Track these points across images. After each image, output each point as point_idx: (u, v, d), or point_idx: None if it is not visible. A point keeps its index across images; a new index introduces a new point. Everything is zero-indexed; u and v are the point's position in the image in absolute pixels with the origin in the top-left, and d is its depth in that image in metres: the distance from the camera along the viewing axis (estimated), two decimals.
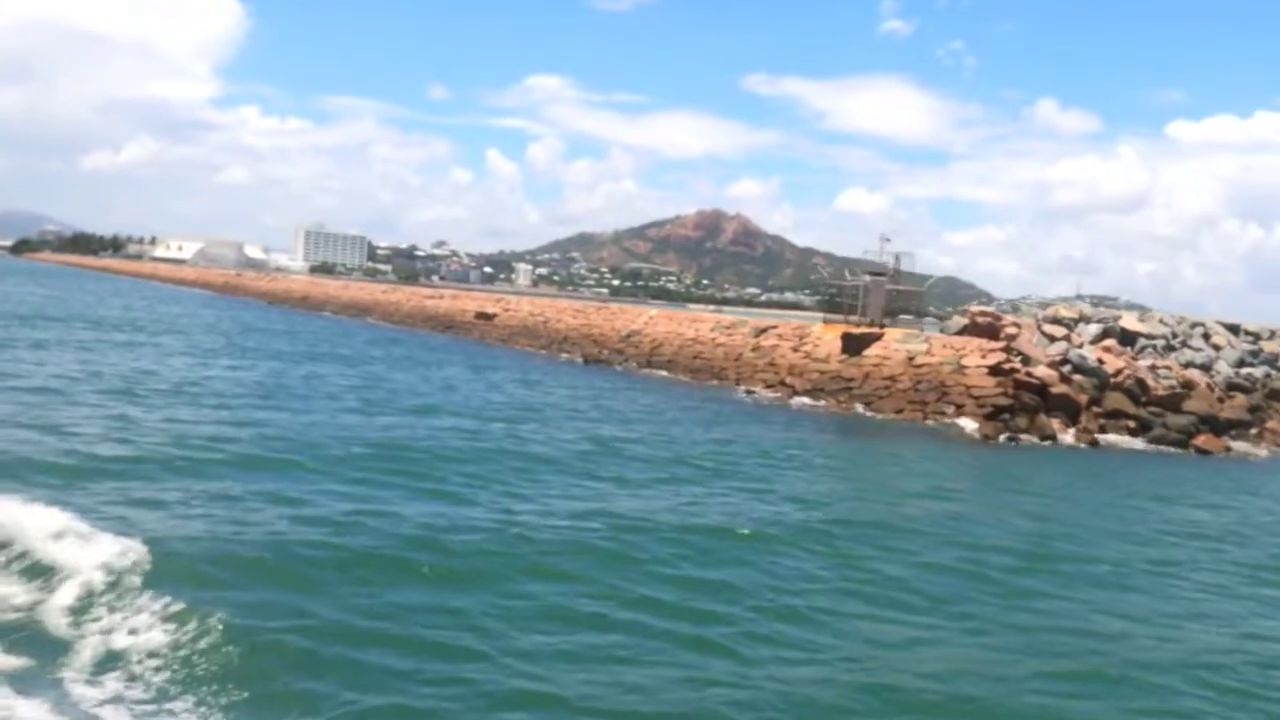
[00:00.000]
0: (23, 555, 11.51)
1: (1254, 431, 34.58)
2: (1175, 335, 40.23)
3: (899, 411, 33.97)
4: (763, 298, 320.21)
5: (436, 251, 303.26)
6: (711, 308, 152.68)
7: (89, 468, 16.01)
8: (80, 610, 10.14)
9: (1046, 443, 30.63)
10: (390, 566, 12.26)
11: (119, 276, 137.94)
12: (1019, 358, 34.33)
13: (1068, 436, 31.36)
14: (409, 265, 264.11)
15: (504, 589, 11.71)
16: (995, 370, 33.43)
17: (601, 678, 9.47)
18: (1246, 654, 11.74)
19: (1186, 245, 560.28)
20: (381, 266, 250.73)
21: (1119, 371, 34.29)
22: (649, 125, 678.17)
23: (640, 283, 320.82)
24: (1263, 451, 33.21)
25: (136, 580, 10.80)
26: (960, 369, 34.56)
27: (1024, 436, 30.81)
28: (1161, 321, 40.96)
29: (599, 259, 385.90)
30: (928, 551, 15.09)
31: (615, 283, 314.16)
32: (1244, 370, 39.31)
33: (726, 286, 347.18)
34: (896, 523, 17.01)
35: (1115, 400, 33.03)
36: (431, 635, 10.19)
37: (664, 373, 44.86)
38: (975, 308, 38.33)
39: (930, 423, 32.73)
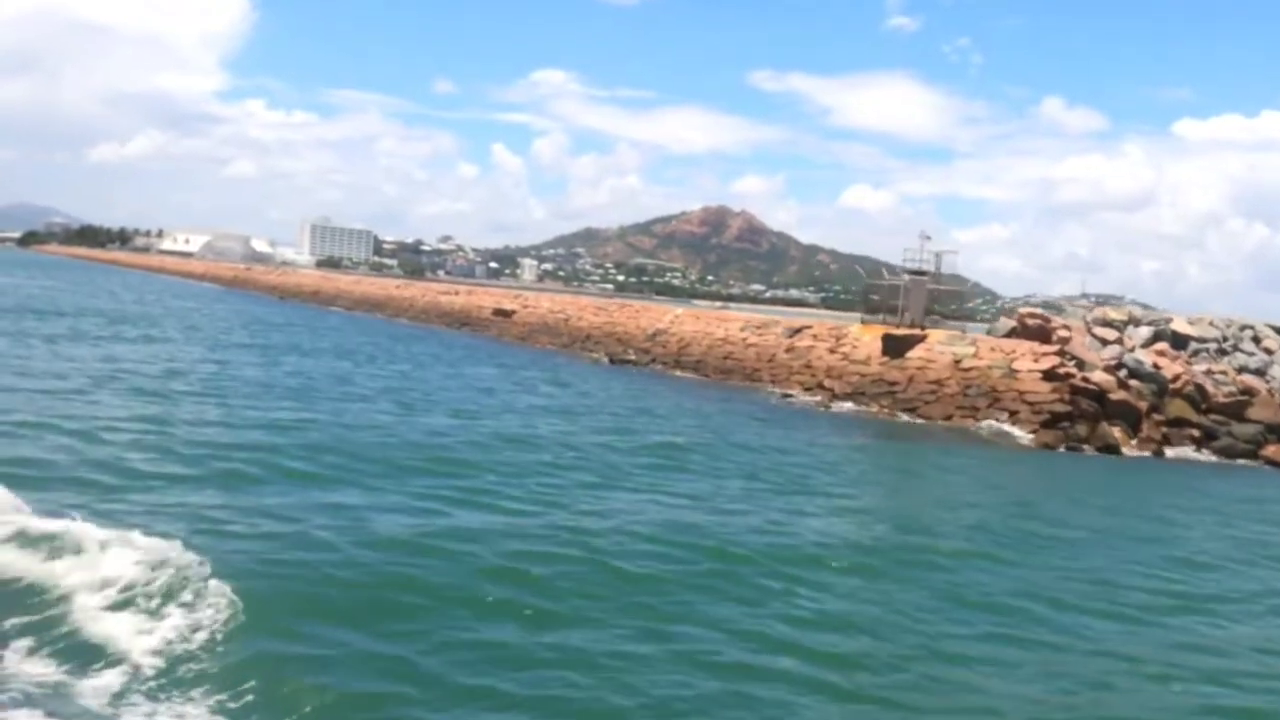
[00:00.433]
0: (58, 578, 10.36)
1: None
2: (1225, 338, 38.90)
3: (948, 418, 32.68)
4: (767, 294, 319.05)
5: (442, 246, 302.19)
6: (719, 304, 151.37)
7: (127, 478, 14.77)
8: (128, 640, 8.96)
9: (1109, 453, 29.37)
10: (473, 600, 11.00)
11: (129, 270, 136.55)
12: (1073, 362, 33.04)
13: (1130, 446, 30.05)
14: (414, 260, 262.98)
15: (611, 627, 10.45)
16: (1050, 375, 32.13)
17: None
18: None
19: (1192, 244, 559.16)
20: (387, 261, 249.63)
21: (1177, 377, 32.98)
22: (654, 121, 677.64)
23: (645, 279, 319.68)
24: None
25: (184, 606, 9.70)
26: (1011, 373, 33.27)
27: (1083, 446, 29.58)
28: (1211, 324, 39.57)
29: (604, 255, 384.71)
30: (1052, 584, 13.78)
31: (620, 278, 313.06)
32: None
33: (731, 283, 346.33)
34: (1004, 551, 15.63)
35: (1177, 408, 31.69)
36: (541, 687, 8.94)
37: (692, 374, 43.60)
38: (1024, 309, 37.01)
39: (981, 430, 31.47)
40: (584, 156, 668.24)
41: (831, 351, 40.56)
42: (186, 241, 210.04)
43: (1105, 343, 35.27)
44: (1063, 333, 34.63)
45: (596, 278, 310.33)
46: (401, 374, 34.00)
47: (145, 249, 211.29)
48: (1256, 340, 39.48)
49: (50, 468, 15.10)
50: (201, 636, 9.24)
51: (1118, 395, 31.36)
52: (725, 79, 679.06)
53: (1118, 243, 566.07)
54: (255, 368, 31.57)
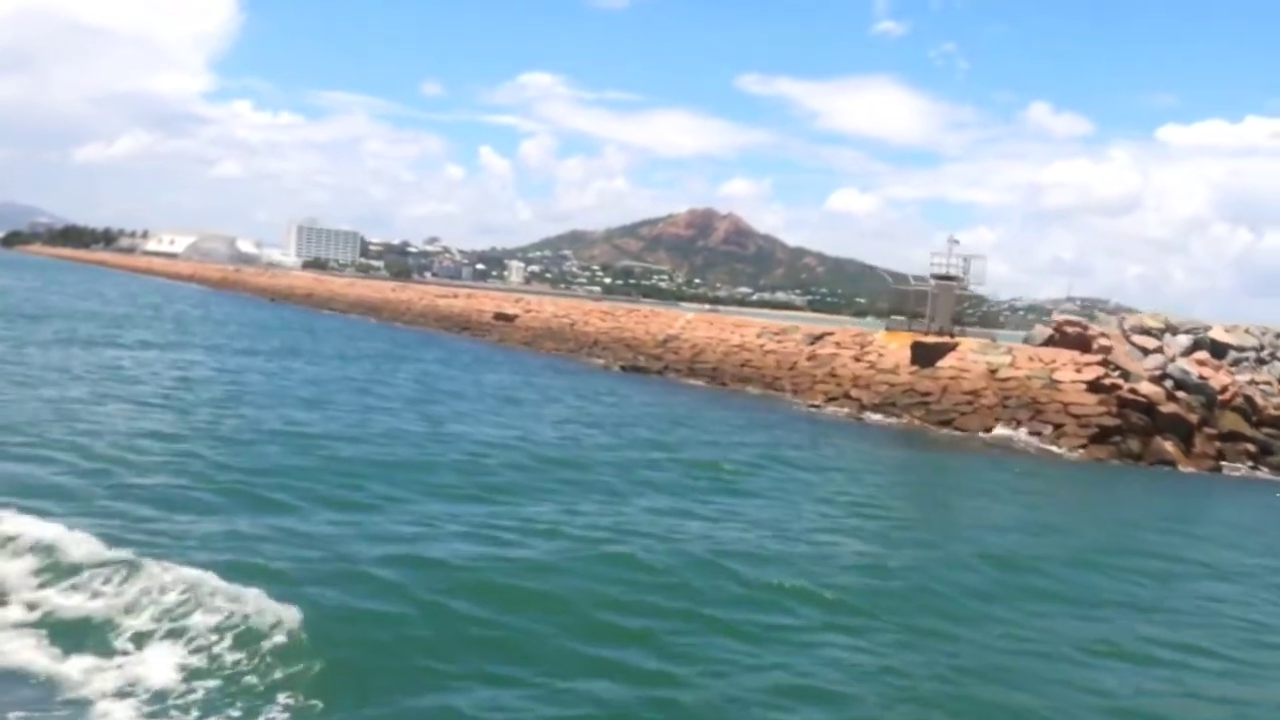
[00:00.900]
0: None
1: None
2: (1262, 346, 37.77)
3: (987, 430, 31.37)
4: (754, 297, 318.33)
5: (429, 248, 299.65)
6: (708, 307, 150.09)
7: (175, 509, 13.23)
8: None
9: (1162, 468, 28.13)
10: (579, 659, 9.58)
11: (115, 271, 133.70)
12: (1117, 372, 31.77)
13: (1184, 462, 28.77)
14: (401, 261, 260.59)
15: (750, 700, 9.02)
16: (1095, 386, 30.86)
17: None
18: None
19: (1176, 248, 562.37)
20: (374, 263, 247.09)
21: (1225, 388, 31.76)
22: (642, 123, 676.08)
23: (632, 281, 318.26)
24: None
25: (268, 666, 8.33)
26: (1053, 384, 31.98)
27: (1125, 460, 28.36)
28: (1247, 332, 38.45)
29: (591, 257, 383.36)
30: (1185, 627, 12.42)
31: (607, 281, 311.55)
32: None
33: (718, 285, 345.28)
34: (1141, 591, 14.26)
35: (1230, 420, 30.49)
36: None
37: (707, 382, 42.15)
38: (1061, 316, 35.69)
39: (1021, 443, 30.18)
40: (571, 159, 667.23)
41: (856, 360, 39.20)
42: (172, 242, 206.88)
43: (1146, 351, 34.05)
44: (1103, 341, 33.33)
45: (583, 280, 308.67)
46: (418, 382, 32.46)
47: (130, 250, 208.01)
48: None
49: (80, 495, 13.58)
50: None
51: (1168, 408, 30.10)
52: (713, 82, 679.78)
53: (1103, 247, 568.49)
54: (267, 376, 29.94)
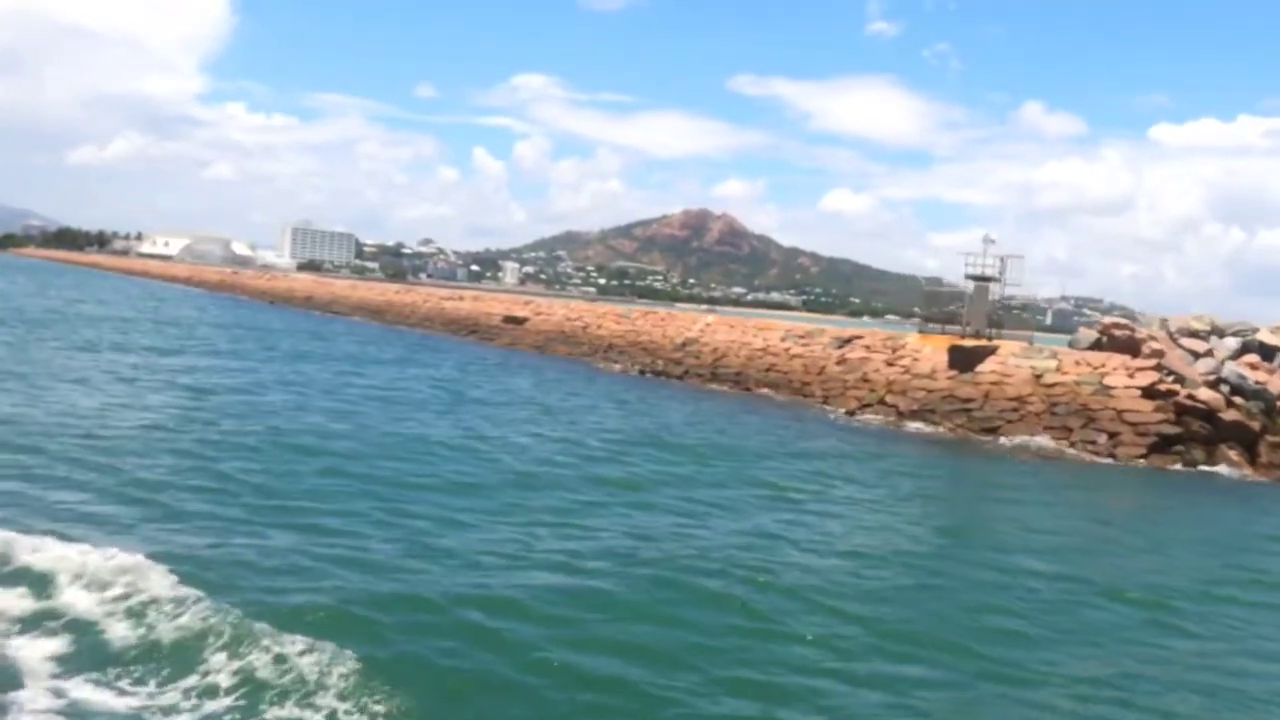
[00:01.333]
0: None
1: None
2: None
3: (1037, 438, 29.98)
4: (749, 297, 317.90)
5: (423, 249, 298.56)
6: (704, 307, 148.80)
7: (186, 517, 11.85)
8: None
9: (1224, 478, 26.81)
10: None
11: (112, 274, 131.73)
12: (1171, 377, 30.45)
13: (1250, 472, 27.48)
14: (396, 263, 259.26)
15: None
16: (1150, 392, 29.53)
17: None
18: None
19: (1169, 248, 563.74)
20: (369, 264, 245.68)
21: None
22: (636, 125, 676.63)
23: (627, 282, 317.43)
24: None
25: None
26: (1104, 390, 30.63)
27: (1187, 469, 27.06)
28: None
29: (585, 258, 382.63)
30: None
31: (602, 281, 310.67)
32: None
33: (713, 286, 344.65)
34: None
35: None
36: None
37: (731, 387, 40.76)
38: (1109, 319, 34.28)
39: (1072, 451, 28.86)
40: (565, 160, 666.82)
41: (889, 364, 37.79)
42: (166, 245, 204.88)
43: (1196, 355, 32.75)
44: (1154, 345, 31.99)
45: (578, 281, 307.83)
46: (443, 390, 31.04)
47: (124, 252, 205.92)
48: None
49: (119, 520, 12.15)
50: None
51: (1229, 415, 28.80)
52: (706, 83, 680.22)
53: (1096, 247, 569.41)
54: (287, 385, 28.48)
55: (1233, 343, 34.47)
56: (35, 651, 8.70)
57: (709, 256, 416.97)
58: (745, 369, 42.55)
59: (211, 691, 8.22)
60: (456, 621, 10.20)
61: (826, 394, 37.91)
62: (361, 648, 8.91)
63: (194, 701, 8.07)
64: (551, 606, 10.74)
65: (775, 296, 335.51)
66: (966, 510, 20.66)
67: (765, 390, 39.92)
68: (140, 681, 8.44)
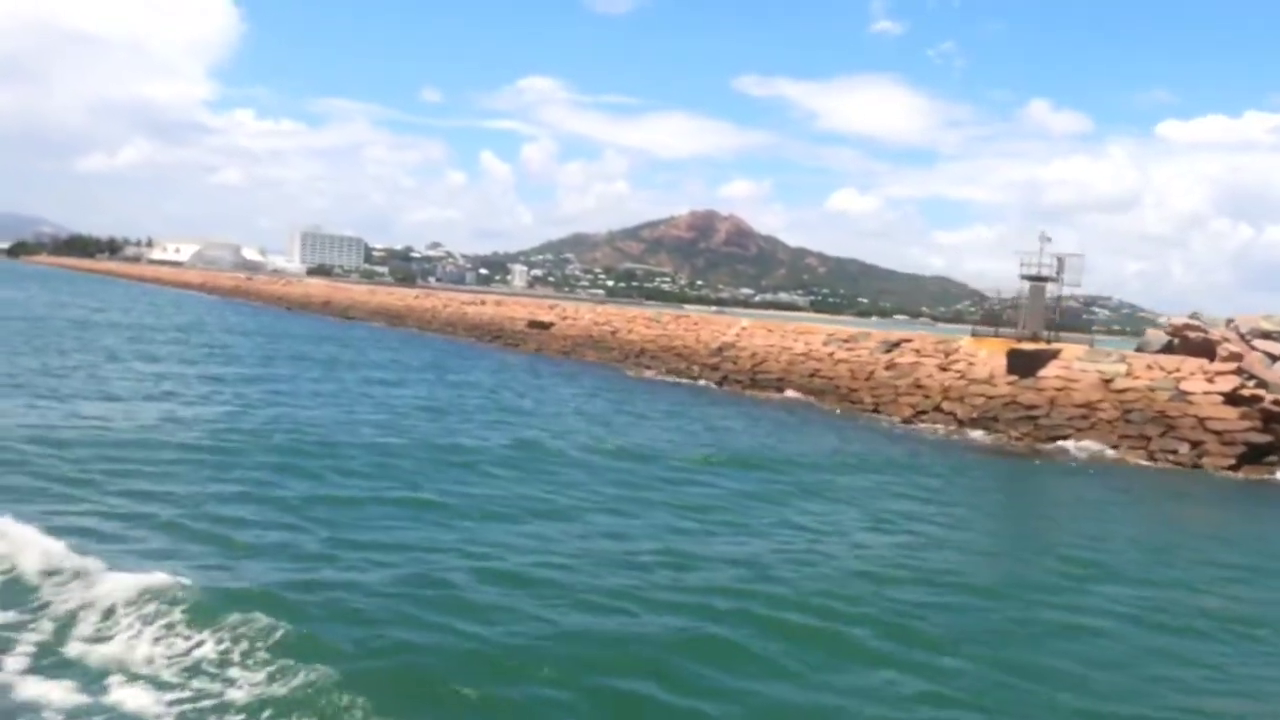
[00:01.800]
0: None
1: None
2: None
3: (1114, 448, 28.48)
4: (757, 298, 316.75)
5: (431, 253, 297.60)
6: (713, 309, 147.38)
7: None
8: None
9: None
10: None
11: (125, 281, 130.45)
12: (1253, 382, 28.90)
13: None
14: (405, 267, 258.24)
15: None
16: (1233, 398, 27.99)
17: None
18: None
19: (1176, 244, 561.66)
20: (378, 268, 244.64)
21: None
22: (641, 126, 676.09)
23: (635, 283, 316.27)
24: None
25: None
26: (1181, 396, 29.06)
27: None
28: None
29: (593, 260, 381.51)
30: None
31: (610, 284, 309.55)
32: None
33: (720, 287, 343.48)
34: None
35: None
36: None
37: (773, 394, 39.23)
38: (1179, 319, 32.66)
39: (1150, 463, 27.33)
40: (572, 163, 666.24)
41: (943, 369, 36.22)
42: (177, 251, 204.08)
43: (1273, 358, 31.17)
44: (1230, 347, 30.42)
45: (586, 283, 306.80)
46: (487, 398, 29.65)
47: (136, 259, 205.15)
48: None
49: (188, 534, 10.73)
50: None
51: None
52: (711, 84, 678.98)
53: (1103, 244, 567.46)
54: (326, 402, 27.07)
55: None
56: None
57: (716, 257, 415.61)
58: (787, 374, 41.03)
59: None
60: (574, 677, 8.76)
61: (877, 400, 36.36)
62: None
63: None
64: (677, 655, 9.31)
65: (783, 297, 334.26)
66: (1078, 531, 19.13)
67: (810, 397, 38.40)
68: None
